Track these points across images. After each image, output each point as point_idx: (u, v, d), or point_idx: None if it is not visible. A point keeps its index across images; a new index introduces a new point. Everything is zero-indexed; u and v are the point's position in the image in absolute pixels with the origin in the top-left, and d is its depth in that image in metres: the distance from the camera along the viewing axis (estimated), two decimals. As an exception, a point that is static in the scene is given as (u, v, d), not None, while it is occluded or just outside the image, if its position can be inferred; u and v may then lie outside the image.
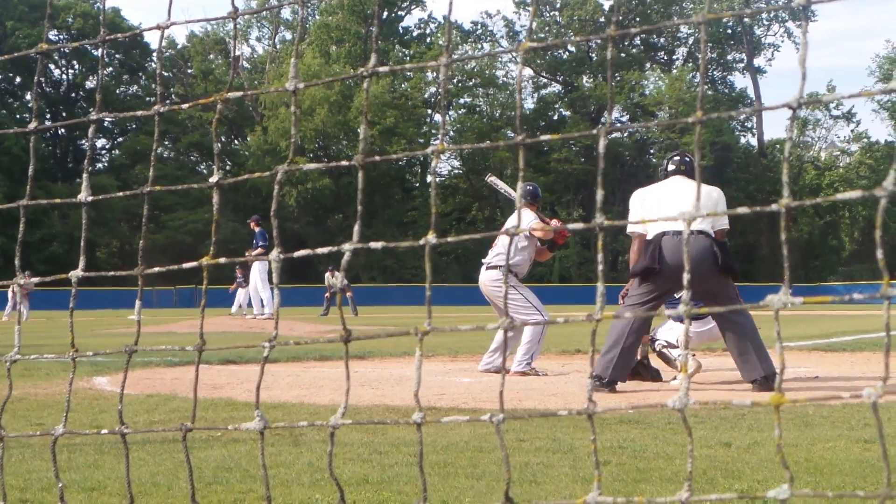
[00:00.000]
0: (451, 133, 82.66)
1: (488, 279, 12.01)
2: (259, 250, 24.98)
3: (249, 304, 42.37)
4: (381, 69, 2.02)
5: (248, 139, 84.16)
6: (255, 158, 78.62)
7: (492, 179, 13.12)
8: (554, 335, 17.08)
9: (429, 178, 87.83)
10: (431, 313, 1.92)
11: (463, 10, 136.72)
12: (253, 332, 23.25)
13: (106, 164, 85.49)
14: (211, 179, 2.15)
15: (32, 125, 2.41)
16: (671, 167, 10.40)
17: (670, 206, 9.54)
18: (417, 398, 1.81)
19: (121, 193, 2.37)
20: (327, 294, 41.87)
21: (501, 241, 11.85)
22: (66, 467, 5.47)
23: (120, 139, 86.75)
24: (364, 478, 5.14)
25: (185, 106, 2.39)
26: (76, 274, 2.26)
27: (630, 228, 10.08)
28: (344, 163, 2.09)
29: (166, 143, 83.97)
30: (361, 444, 6.24)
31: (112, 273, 2.32)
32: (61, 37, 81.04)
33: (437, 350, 14.71)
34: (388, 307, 54.76)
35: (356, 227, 1.96)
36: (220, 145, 2.28)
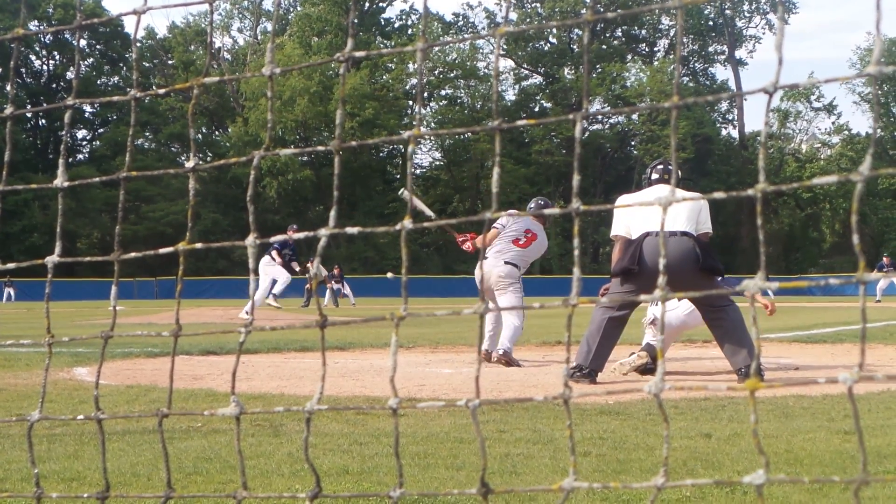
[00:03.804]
0: (432, 124, 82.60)
1: (503, 272, 12.27)
2: (275, 253, 24.93)
3: (322, 295, 42.31)
4: (358, 53, 2.01)
5: (229, 130, 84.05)
6: (236, 149, 78.46)
7: (405, 193, 13.51)
8: (534, 326, 17.09)
9: (422, 166, 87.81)
10: (408, 299, 1.91)
11: (445, 1, 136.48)
12: (233, 323, 23.20)
13: (87, 155, 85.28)
14: (187, 165, 2.13)
15: (8, 110, 2.39)
16: (655, 175, 10.41)
17: (654, 211, 9.55)
18: (393, 384, 1.80)
19: (97, 179, 2.35)
20: (308, 286, 41.75)
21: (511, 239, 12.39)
22: (45, 458, 5.45)
23: (101, 130, 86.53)
24: (344, 468, 5.13)
25: (161, 91, 2.38)
26: (52, 259, 2.25)
27: (613, 232, 10.10)
28: (320, 148, 2.08)
29: (147, 133, 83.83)
30: (342, 434, 6.24)
31: (89, 259, 2.30)
32: (41, 27, 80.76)
33: (418, 341, 14.70)
34: (369, 298, 54.75)
35: (332, 213, 1.95)
36: (196, 132, 2.26)
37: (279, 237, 2.17)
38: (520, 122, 1.94)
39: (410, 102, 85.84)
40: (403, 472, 5.02)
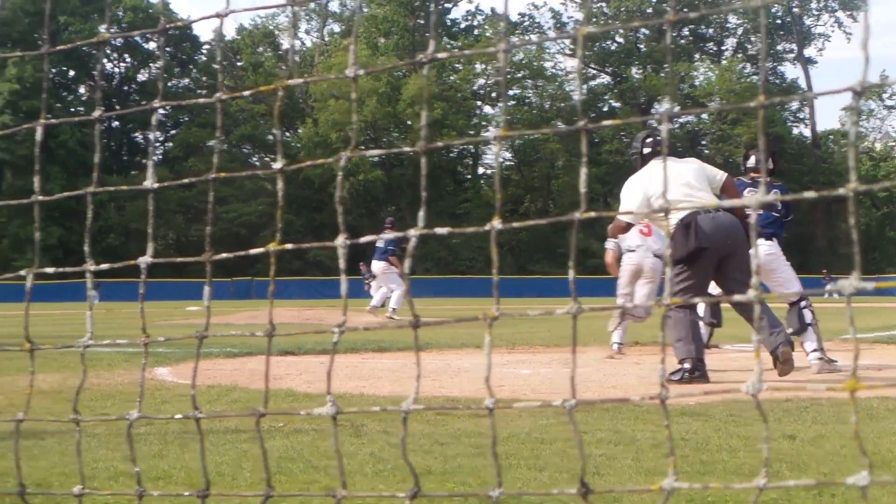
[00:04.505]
0: (502, 125, 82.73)
1: (654, 264, 13.39)
2: (395, 260, 24.69)
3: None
4: (440, 55, 2.01)
5: (300, 131, 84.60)
6: (307, 150, 79.04)
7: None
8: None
9: (491, 166, 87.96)
10: (499, 299, 1.90)
11: (511, 1, 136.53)
12: (310, 324, 23.33)
13: (160, 157, 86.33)
14: (275, 165, 2.14)
15: (97, 113, 2.42)
16: (647, 150, 10.26)
17: (680, 187, 9.46)
18: (489, 383, 1.80)
19: (186, 180, 2.37)
20: (365, 286, 41.61)
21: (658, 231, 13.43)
22: (130, 457, 5.49)
23: (173, 132, 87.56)
24: (427, 469, 5.12)
25: (246, 93, 2.40)
26: (145, 260, 2.27)
27: (621, 215, 9.68)
28: (406, 149, 2.08)
29: (217, 135, 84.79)
30: (423, 435, 6.23)
31: (179, 259, 2.32)
32: (112, 30, 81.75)
33: (495, 342, 14.65)
34: (443, 299, 54.75)
35: (421, 213, 1.95)
36: (281, 133, 2.27)
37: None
38: (605, 123, 1.94)
39: (479, 103, 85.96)
40: (486, 473, 5.02)
